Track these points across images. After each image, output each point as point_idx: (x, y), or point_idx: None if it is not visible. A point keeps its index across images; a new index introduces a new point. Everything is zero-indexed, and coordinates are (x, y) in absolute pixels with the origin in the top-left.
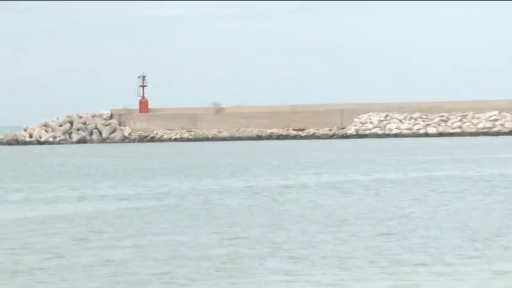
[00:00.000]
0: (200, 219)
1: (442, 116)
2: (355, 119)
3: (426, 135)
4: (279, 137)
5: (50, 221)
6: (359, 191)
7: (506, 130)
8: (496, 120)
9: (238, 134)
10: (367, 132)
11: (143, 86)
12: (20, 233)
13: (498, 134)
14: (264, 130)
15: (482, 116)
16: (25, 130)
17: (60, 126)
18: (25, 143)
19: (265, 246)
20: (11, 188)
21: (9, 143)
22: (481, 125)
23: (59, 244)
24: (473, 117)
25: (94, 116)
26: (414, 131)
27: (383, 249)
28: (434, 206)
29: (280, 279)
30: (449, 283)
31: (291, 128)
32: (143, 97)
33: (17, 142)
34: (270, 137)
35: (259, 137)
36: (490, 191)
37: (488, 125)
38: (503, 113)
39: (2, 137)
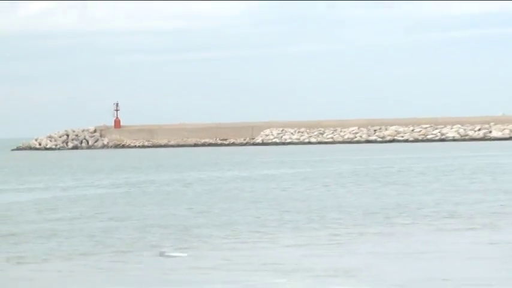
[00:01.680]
0: (162, 200)
1: (320, 130)
2: (261, 132)
3: (309, 143)
4: (210, 145)
5: (61, 200)
6: (266, 181)
7: (363, 140)
8: (356, 133)
9: (182, 143)
10: (269, 141)
11: (117, 110)
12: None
13: (358, 142)
14: (199, 140)
15: (347, 130)
16: (36, 140)
17: (60, 137)
18: (36, 149)
19: (212, 219)
20: (32, 179)
21: (24, 149)
22: (346, 137)
23: (69, 214)
24: (341, 131)
25: (83, 130)
26: (301, 140)
27: (284, 219)
28: (309, 190)
29: (218, 236)
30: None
31: (217, 139)
32: (117, 117)
33: (30, 148)
34: (203, 145)
35: (196, 145)
36: (350, 180)
37: (351, 136)
38: (361, 128)
39: (20, 145)
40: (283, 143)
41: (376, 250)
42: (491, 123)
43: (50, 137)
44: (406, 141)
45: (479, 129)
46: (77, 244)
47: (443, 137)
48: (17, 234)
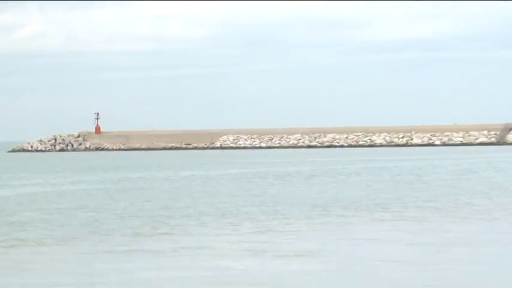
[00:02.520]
0: (136, 195)
1: (269, 137)
2: (220, 138)
3: (260, 147)
4: (176, 149)
5: (55, 194)
6: (223, 180)
7: (305, 145)
8: (299, 139)
9: (152, 146)
10: (226, 146)
11: (97, 118)
12: (37, 198)
13: (301, 147)
14: (167, 144)
15: (292, 137)
16: (28, 143)
17: (49, 141)
18: (28, 151)
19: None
20: (28, 176)
21: (18, 151)
22: (291, 142)
23: (62, 205)
24: (287, 137)
25: (69, 135)
26: (253, 145)
27: (242, 211)
28: (266, 188)
29: (188, 225)
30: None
31: (182, 143)
32: (97, 125)
33: (23, 150)
34: (170, 149)
35: (164, 148)
36: (296, 179)
37: (295, 142)
38: (303, 135)
39: (14, 147)
40: (238, 148)
41: (326, 236)
42: (413, 132)
43: (40, 141)
44: (342, 146)
45: (402, 137)
46: (68, 230)
47: (372, 143)
48: (17, 222)
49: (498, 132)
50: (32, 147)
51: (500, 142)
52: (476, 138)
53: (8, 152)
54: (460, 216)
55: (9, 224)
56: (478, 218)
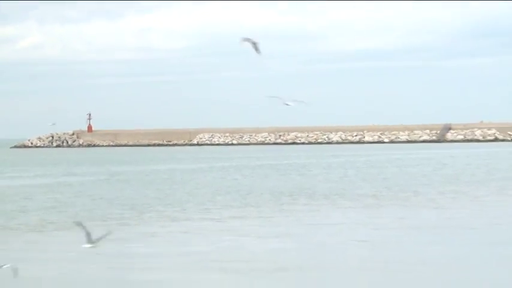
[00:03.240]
0: (125, 186)
1: (240, 135)
2: (197, 136)
3: (232, 144)
4: (158, 145)
5: (58, 185)
6: (203, 172)
7: (272, 142)
8: (266, 137)
9: (137, 143)
10: (203, 143)
11: (89, 119)
12: (41, 190)
13: (267, 144)
14: (151, 141)
15: (260, 135)
16: (28, 140)
17: (47, 138)
18: (28, 147)
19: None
20: (30, 169)
21: (20, 147)
22: (259, 140)
23: (63, 194)
24: (255, 135)
25: (64, 133)
26: (226, 142)
27: (217, 200)
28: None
29: (171, 211)
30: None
31: (164, 140)
32: (89, 124)
33: (24, 146)
34: (153, 145)
35: (148, 145)
36: (264, 171)
37: (263, 139)
38: (270, 134)
39: (17, 143)
40: (213, 144)
41: (295, 221)
42: (365, 131)
43: (39, 138)
44: (303, 143)
45: (356, 135)
46: (60, 215)
47: (329, 140)
48: (27, 207)
49: (438, 131)
50: (32, 143)
51: (441, 140)
52: (420, 137)
53: (11, 147)
54: (411, 203)
55: (20, 209)
56: (426, 205)
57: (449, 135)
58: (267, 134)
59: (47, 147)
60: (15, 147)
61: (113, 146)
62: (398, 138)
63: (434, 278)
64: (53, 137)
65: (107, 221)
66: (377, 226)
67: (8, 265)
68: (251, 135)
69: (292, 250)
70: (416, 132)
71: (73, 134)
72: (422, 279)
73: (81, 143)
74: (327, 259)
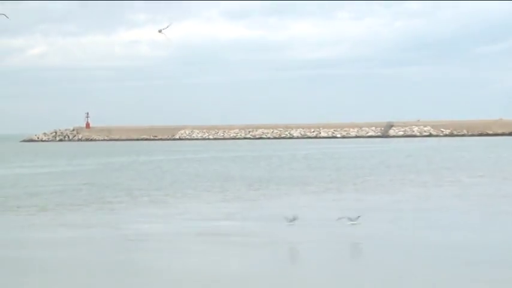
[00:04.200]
0: (120, 174)
1: (215, 131)
2: (179, 132)
3: (208, 139)
4: (146, 139)
5: (43, 174)
6: (184, 162)
7: (242, 137)
8: (238, 133)
9: (128, 138)
10: (184, 138)
11: (87, 117)
12: (50, 176)
13: (238, 139)
14: (139, 136)
15: (232, 131)
16: (35, 135)
17: (51, 133)
18: (35, 141)
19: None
20: (38, 160)
21: (28, 141)
22: (231, 135)
23: (67, 181)
24: (228, 131)
25: (66, 129)
26: (204, 137)
27: (198, 186)
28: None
29: (158, 194)
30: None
31: (151, 135)
32: (87, 121)
33: (31, 140)
34: (142, 139)
35: (137, 139)
36: (236, 162)
37: (235, 135)
38: (241, 130)
39: (25, 138)
40: (192, 139)
41: (271, 204)
42: (321, 128)
43: (45, 133)
44: (268, 138)
45: (313, 131)
46: (67, 198)
47: (291, 136)
48: (37, 192)
49: (382, 128)
50: (38, 138)
51: (384, 135)
52: (367, 132)
53: (20, 141)
54: (364, 188)
55: (30, 193)
56: (381, 190)
57: (391, 132)
58: (238, 130)
59: (51, 141)
60: (24, 141)
61: (107, 140)
62: (349, 134)
63: (390, 248)
64: (56, 132)
65: (105, 204)
66: (339, 207)
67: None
68: (225, 131)
69: (264, 226)
70: (364, 128)
71: (73, 130)
72: (381, 247)
73: (80, 137)
74: (296, 234)
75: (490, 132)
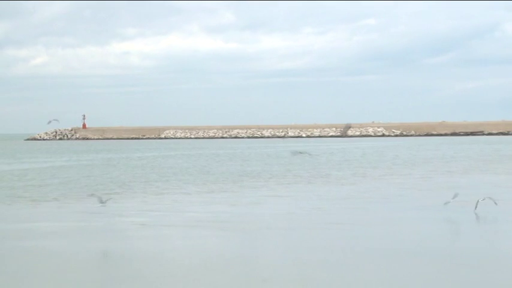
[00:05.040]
0: (111, 167)
1: (196, 131)
2: (164, 132)
3: (190, 138)
4: (135, 138)
5: (48, 169)
6: (167, 158)
7: (219, 137)
8: (216, 133)
9: (120, 137)
10: (168, 137)
11: (84, 118)
12: (52, 171)
13: (216, 138)
14: (129, 135)
15: (210, 131)
16: (38, 134)
17: (52, 133)
18: (37, 140)
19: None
20: (40, 156)
21: (31, 139)
22: (210, 134)
23: (72, 174)
24: (208, 131)
25: (65, 129)
26: (186, 136)
27: (182, 179)
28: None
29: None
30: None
31: (140, 135)
32: (84, 123)
33: (34, 139)
34: (132, 138)
35: (127, 138)
36: (214, 159)
37: (213, 134)
38: (218, 130)
39: (29, 137)
40: (176, 138)
41: (246, 193)
42: (288, 128)
43: (46, 133)
44: (243, 137)
45: (282, 131)
46: (70, 189)
47: (262, 135)
48: (43, 184)
49: (342, 129)
50: (40, 137)
51: (343, 135)
52: (328, 133)
53: (24, 140)
54: (330, 181)
55: (38, 185)
56: (343, 182)
57: (349, 132)
58: (216, 130)
59: (51, 140)
60: (28, 139)
61: (101, 139)
62: (313, 133)
63: (358, 232)
64: (56, 132)
65: (103, 195)
66: (311, 197)
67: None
68: (204, 131)
69: (242, 213)
70: (325, 129)
71: (71, 130)
72: (347, 232)
73: (77, 136)
74: (274, 220)
75: (435, 132)
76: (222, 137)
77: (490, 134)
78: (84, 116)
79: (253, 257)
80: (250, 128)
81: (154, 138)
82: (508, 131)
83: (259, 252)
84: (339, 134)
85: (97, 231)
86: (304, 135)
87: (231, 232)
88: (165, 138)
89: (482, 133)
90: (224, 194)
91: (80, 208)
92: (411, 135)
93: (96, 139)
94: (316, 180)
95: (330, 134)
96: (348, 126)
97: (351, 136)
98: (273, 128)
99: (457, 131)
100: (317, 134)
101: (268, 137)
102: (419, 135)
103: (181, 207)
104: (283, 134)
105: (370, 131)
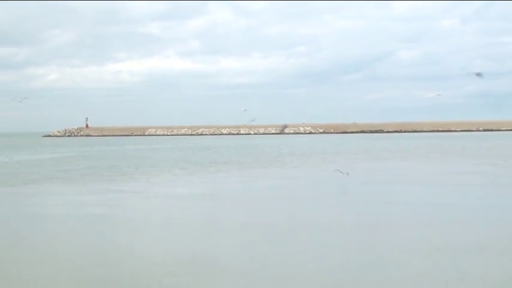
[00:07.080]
0: (110, 156)
1: (172, 130)
2: (148, 130)
3: (168, 135)
4: (127, 135)
5: (66, 158)
6: (153, 151)
7: (189, 134)
8: (187, 131)
9: (115, 134)
10: (151, 134)
11: (87, 121)
12: (57, 162)
13: (186, 135)
14: (122, 133)
15: (183, 130)
16: (52, 132)
17: (62, 131)
18: (51, 136)
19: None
20: (52, 149)
21: (47, 136)
22: (182, 132)
23: (76, 167)
24: (180, 130)
25: (72, 128)
26: (164, 134)
27: (171, 166)
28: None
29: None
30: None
31: (130, 132)
32: (87, 123)
33: (49, 136)
34: (124, 135)
35: (120, 135)
36: (189, 151)
37: (184, 132)
38: (188, 129)
39: (45, 134)
40: (157, 135)
41: (216, 176)
42: (240, 128)
43: (58, 131)
44: (207, 135)
45: (236, 130)
46: (82, 174)
47: (222, 133)
48: (60, 170)
49: (280, 128)
50: (53, 134)
51: (282, 133)
52: (270, 131)
53: (42, 136)
54: (283, 166)
55: (53, 171)
56: (290, 166)
57: (286, 130)
58: (186, 129)
59: (62, 136)
60: (44, 136)
61: (100, 136)
62: (259, 131)
63: (312, 204)
64: (66, 130)
65: (104, 177)
66: (265, 178)
67: None
68: (178, 130)
69: (216, 190)
70: (268, 128)
71: (77, 129)
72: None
73: (82, 134)
74: (245, 194)
75: (349, 131)
76: (191, 135)
77: (388, 131)
78: (86, 118)
79: (217, 218)
80: (212, 128)
81: (140, 135)
82: (401, 129)
83: (223, 216)
84: (278, 131)
85: (107, 199)
86: (252, 132)
87: (205, 201)
88: (149, 135)
89: (382, 131)
90: (202, 175)
91: (93, 188)
92: (331, 133)
93: (96, 136)
94: (268, 165)
95: (272, 131)
96: (285, 126)
97: (287, 133)
98: (229, 128)
99: (364, 130)
100: (262, 131)
101: (226, 134)
102: (337, 133)
103: (169, 184)
104: (236, 131)
105: (302, 129)
